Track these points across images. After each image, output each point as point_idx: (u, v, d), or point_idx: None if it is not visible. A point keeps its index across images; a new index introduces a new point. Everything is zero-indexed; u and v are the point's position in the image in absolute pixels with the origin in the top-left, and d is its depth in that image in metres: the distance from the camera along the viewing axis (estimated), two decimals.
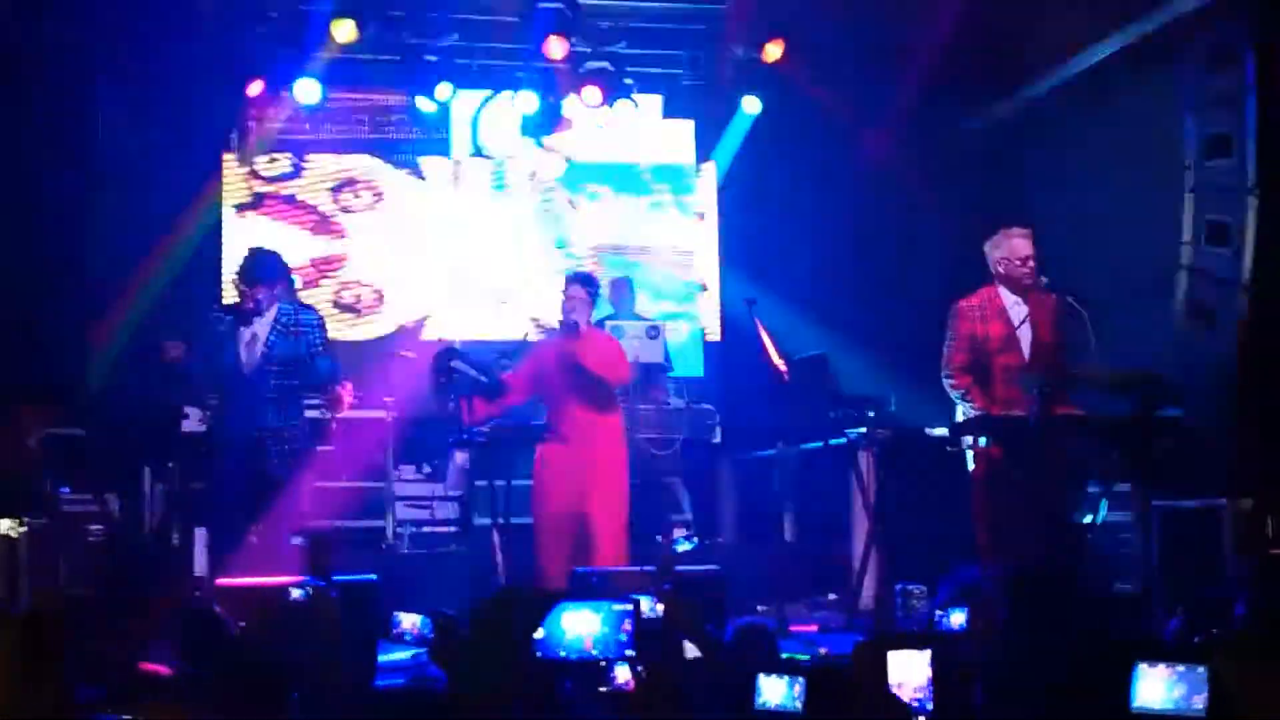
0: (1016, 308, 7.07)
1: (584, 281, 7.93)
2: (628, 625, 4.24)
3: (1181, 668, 3.21)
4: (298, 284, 9.12)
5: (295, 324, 7.09)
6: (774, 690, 3.23)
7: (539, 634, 3.87)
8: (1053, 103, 9.81)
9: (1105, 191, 9.15)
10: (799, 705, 3.15)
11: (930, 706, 3.54)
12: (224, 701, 3.58)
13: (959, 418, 7.13)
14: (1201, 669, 3.20)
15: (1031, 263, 7.06)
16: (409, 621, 6.04)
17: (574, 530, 7.53)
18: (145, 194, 9.69)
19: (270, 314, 7.04)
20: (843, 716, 3.07)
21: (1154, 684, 3.24)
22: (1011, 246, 7.11)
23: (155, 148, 9.77)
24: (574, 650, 4.19)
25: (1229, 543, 6.71)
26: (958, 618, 6.04)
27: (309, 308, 7.61)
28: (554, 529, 7.54)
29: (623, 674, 4.05)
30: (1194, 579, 6.73)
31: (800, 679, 3.20)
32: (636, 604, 4.34)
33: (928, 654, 3.62)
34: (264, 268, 7.16)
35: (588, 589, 6.02)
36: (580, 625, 4.18)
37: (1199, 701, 3.16)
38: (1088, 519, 6.84)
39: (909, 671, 3.55)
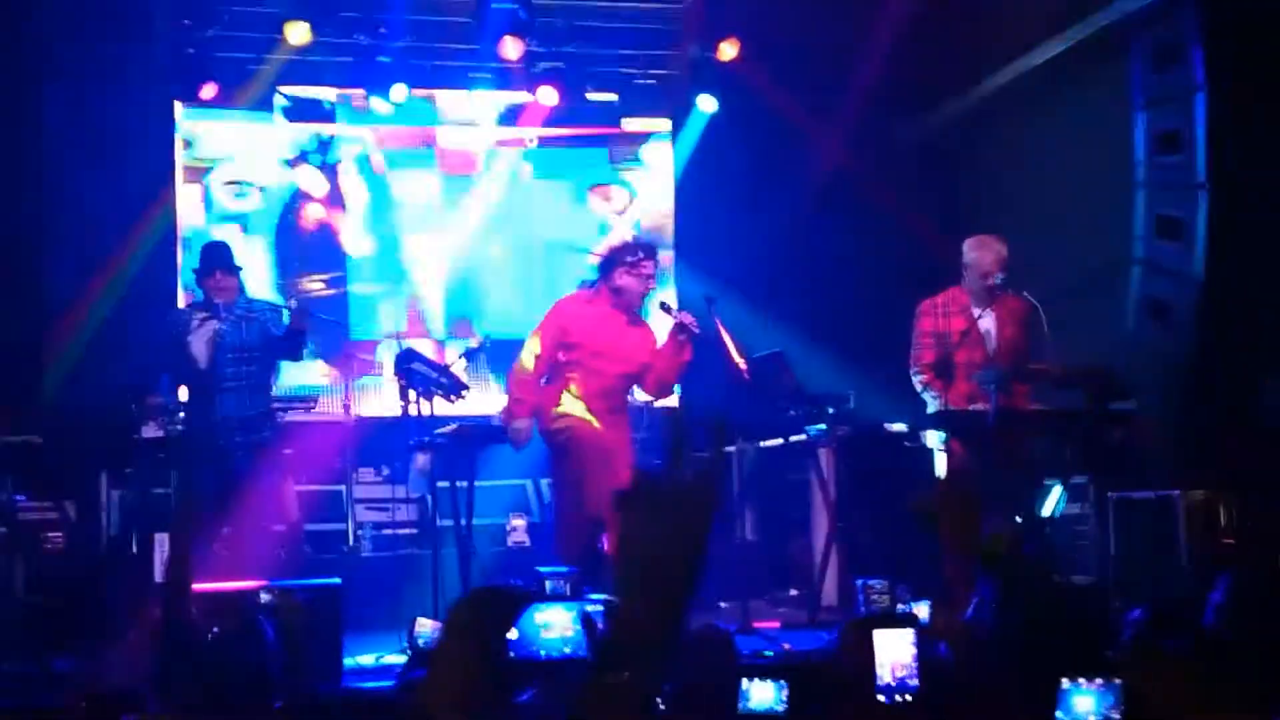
0: (979, 305, 7.19)
1: (656, 254, 7.23)
2: (600, 625, 4.23)
3: (1100, 680, 3.28)
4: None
5: (249, 312, 7.16)
6: (761, 694, 3.26)
7: (513, 634, 3.87)
8: (1004, 100, 9.89)
9: (1057, 188, 9.24)
10: (783, 707, 3.18)
11: (915, 684, 3.59)
12: (203, 710, 3.57)
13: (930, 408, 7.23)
14: (1118, 681, 3.26)
15: (989, 279, 7.16)
16: (424, 626, 6.04)
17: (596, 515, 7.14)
18: (99, 199, 9.60)
19: (229, 308, 7.11)
20: (823, 712, 3.11)
21: (1084, 698, 3.31)
22: (986, 251, 7.21)
23: (107, 152, 9.70)
24: (550, 649, 4.20)
25: (1184, 533, 6.80)
26: (919, 611, 6.12)
27: (269, 303, 7.67)
28: (586, 512, 7.00)
29: None
30: (1150, 569, 6.83)
31: (784, 681, 3.22)
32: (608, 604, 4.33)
33: (911, 633, 3.67)
34: (219, 256, 7.24)
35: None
36: (554, 624, 4.18)
37: (1117, 714, 3.23)
38: (1045, 511, 6.92)
39: (895, 650, 3.59)
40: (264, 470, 7.31)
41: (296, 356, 7.39)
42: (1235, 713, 3.10)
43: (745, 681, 3.22)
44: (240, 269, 7.46)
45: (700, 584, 2.22)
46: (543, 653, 4.17)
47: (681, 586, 2.25)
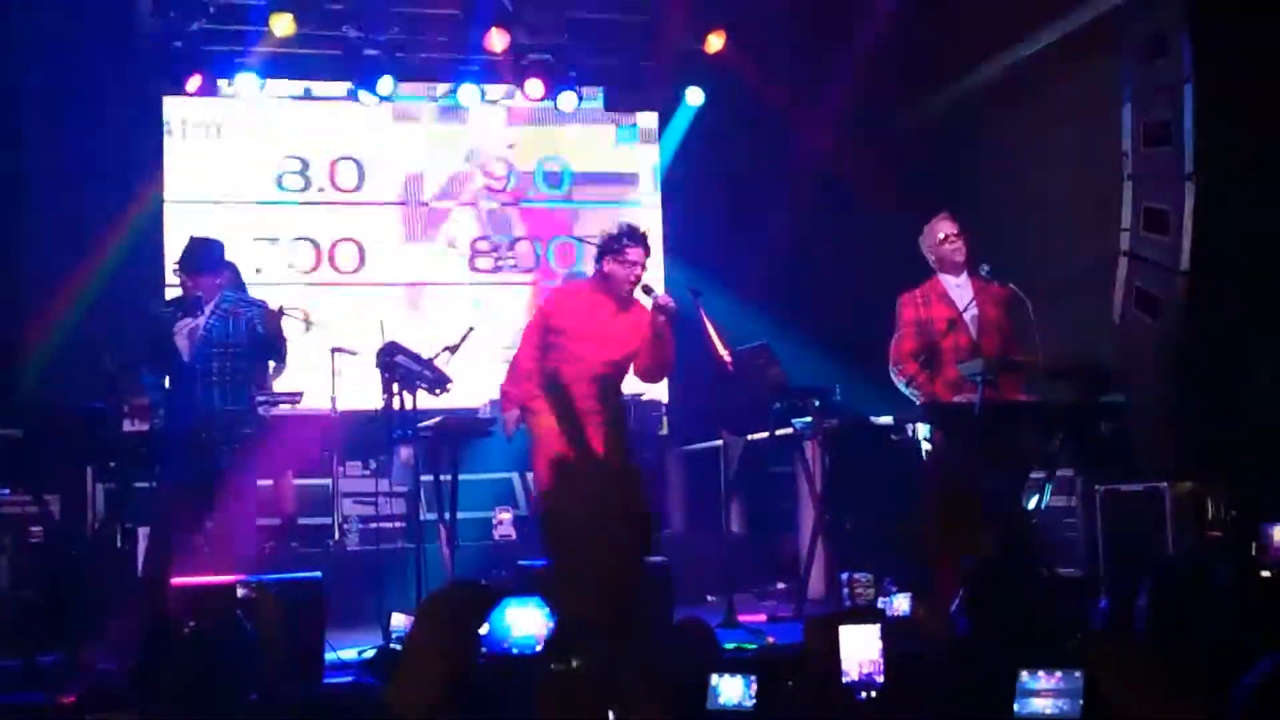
0: (959, 290, 7.18)
1: (646, 242, 7.18)
2: None
3: (1060, 673, 3.24)
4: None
5: (235, 308, 7.11)
6: (731, 689, 3.22)
7: (484, 629, 3.83)
8: (993, 92, 9.87)
9: (1045, 179, 9.22)
10: (751, 702, 3.15)
11: (881, 679, 3.56)
12: (180, 704, 3.55)
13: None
14: (1078, 673, 3.23)
15: (955, 240, 7.20)
16: (400, 621, 6.02)
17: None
18: (80, 192, 9.59)
19: (212, 303, 7.07)
20: (790, 707, 3.08)
21: (1043, 691, 3.27)
22: (933, 230, 7.26)
23: (91, 144, 9.67)
24: (522, 646, 4.15)
25: (1171, 525, 6.78)
26: (901, 604, 6.11)
27: (254, 299, 7.62)
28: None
29: None
30: (1138, 562, 6.81)
31: (753, 676, 3.19)
32: None
33: (877, 628, 3.64)
34: (206, 257, 7.18)
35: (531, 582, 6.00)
36: (526, 621, 4.14)
37: (1076, 706, 3.19)
38: (1032, 504, 6.91)
39: (860, 647, 3.56)
40: (250, 465, 7.27)
41: (279, 359, 7.35)
42: (1188, 702, 3.07)
43: (715, 677, 3.18)
44: (226, 265, 7.41)
45: (639, 571, 2.18)
46: (514, 649, 4.13)
47: (620, 571, 2.23)
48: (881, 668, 3.53)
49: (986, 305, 7.15)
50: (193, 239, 7.38)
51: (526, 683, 3.45)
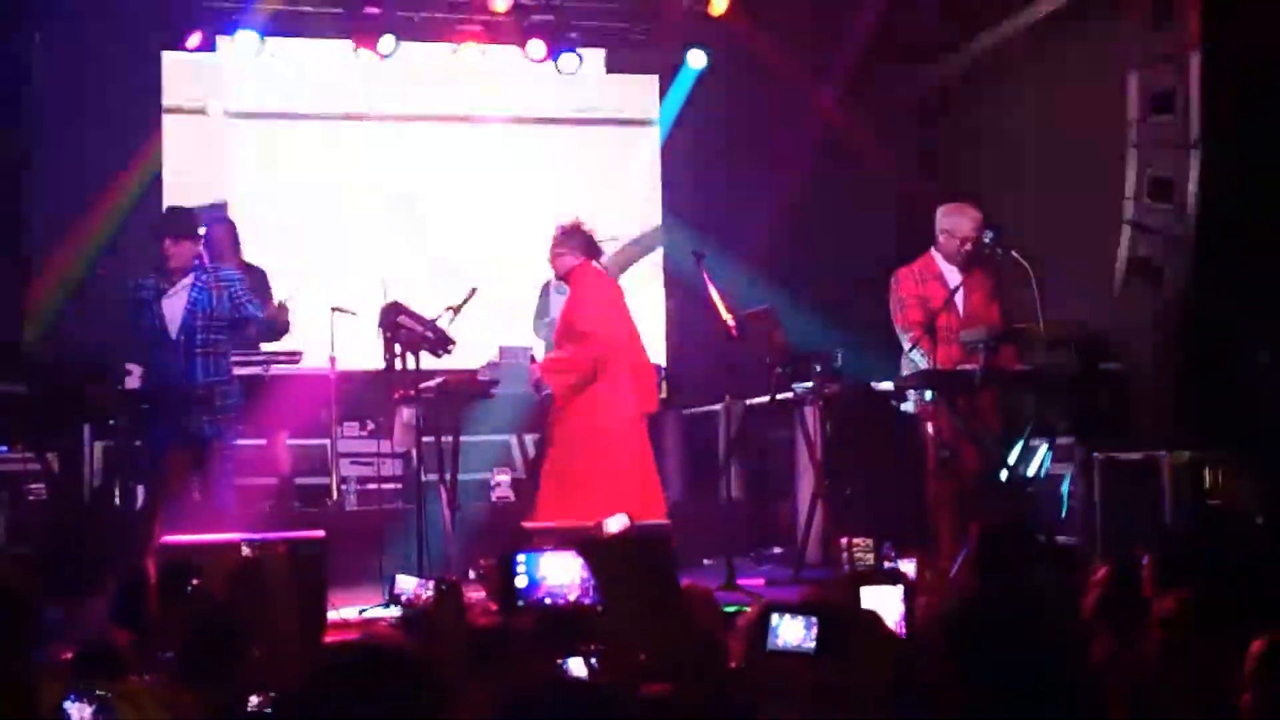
0: (951, 272, 7.26)
1: (562, 234, 7.69)
2: None
3: None
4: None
5: (216, 279, 7.13)
6: (791, 631, 3.21)
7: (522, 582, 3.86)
8: (998, 58, 9.82)
9: (1049, 146, 9.18)
10: (812, 645, 3.13)
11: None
12: (183, 660, 3.56)
13: (904, 370, 7.24)
14: None
15: (969, 244, 7.24)
16: (406, 583, 6.03)
17: None
18: (82, 148, 9.54)
19: (191, 274, 7.08)
20: (851, 652, 3.05)
21: None
22: (966, 217, 7.28)
23: (92, 101, 9.62)
24: (557, 595, 4.18)
25: (1169, 494, 6.80)
26: (906, 569, 6.13)
27: (229, 266, 7.69)
28: None
29: (576, 666, 3.95)
30: (1135, 530, 6.83)
31: (813, 618, 3.18)
32: None
33: (900, 590, 3.64)
34: (185, 223, 7.22)
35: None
36: (563, 571, 4.16)
37: None
38: (1030, 471, 6.93)
39: (882, 608, 3.55)
40: (231, 432, 7.30)
41: (277, 339, 7.45)
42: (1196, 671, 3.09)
43: (775, 617, 3.17)
44: (200, 235, 7.41)
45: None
46: (548, 599, 4.16)
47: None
48: (904, 630, 3.54)
49: (973, 290, 7.23)
50: (170, 207, 7.49)
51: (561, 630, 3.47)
